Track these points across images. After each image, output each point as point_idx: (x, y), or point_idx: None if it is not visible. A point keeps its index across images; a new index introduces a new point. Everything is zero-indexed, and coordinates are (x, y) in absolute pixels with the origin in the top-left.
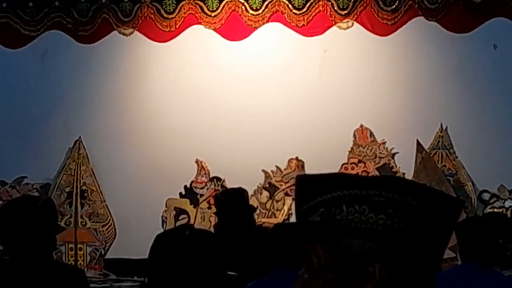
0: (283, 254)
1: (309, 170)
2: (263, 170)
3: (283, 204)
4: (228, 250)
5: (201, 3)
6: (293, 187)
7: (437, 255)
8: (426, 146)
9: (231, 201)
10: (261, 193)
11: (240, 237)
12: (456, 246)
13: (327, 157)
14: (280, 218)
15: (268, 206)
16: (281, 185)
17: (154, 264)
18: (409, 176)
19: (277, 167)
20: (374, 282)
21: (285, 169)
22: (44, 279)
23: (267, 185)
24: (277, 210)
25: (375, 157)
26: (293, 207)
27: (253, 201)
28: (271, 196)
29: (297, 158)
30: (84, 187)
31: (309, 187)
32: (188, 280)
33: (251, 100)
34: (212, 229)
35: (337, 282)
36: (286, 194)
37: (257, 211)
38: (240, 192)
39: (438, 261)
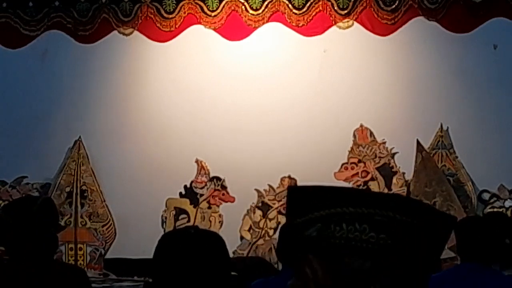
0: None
1: (309, 171)
2: (255, 189)
3: (277, 222)
4: None
5: (201, 3)
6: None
7: (429, 271)
8: (426, 146)
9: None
10: (254, 212)
11: None
12: (455, 246)
13: (327, 157)
14: (274, 237)
15: (261, 224)
16: (274, 203)
17: (158, 263)
18: (409, 176)
19: (269, 185)
20: None
21: (277, 188)
22: (45, 279)
23: (260, 204)
24: (270, 228)
25: (375, 157)
26: None
27: (246, 220)
28: (264, 215)
29: (289, 177)
30: (84, 187)
31: (302, 199)
32: (193, 280)
33: (251, 100)
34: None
35: None
36: (279, 213)
37: (250, 230)
38: None
39: (428, 278)
